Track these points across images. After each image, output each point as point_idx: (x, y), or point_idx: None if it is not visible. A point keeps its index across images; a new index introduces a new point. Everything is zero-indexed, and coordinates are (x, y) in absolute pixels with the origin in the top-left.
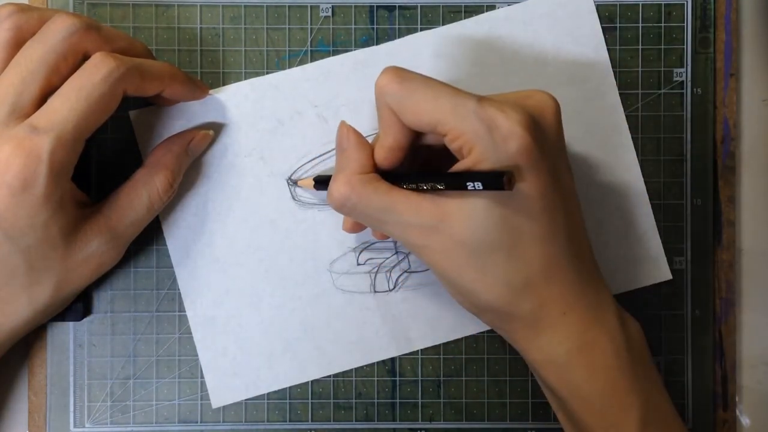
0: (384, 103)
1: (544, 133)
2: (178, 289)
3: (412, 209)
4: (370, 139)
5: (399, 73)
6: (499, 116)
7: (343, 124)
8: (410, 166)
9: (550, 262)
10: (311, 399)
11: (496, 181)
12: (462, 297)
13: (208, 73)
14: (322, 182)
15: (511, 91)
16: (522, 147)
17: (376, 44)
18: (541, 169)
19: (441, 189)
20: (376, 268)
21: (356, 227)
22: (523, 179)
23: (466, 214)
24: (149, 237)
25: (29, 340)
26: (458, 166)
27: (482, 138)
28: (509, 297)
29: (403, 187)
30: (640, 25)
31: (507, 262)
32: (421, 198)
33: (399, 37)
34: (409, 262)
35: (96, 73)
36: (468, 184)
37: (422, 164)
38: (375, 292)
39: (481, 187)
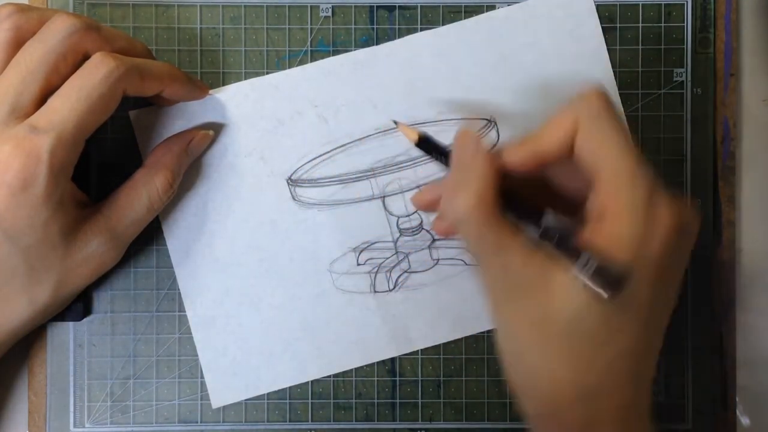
0: (574, 113)
1: (682, 247)
2: (178, 289)
3: (519, 262)
4: (367, 139)
5: (608, 101)
6: (669, 202)
7: (467, 131)
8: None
9: (623, 379)
10: (311, 399)
11: (609, 279)
12: (516, 369)
13: (208, 73)
14: (427, 142)
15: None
16: (666, 236)
17: (376, 44)
18: (663, 278)
19: (545, 243)
20: (376, 268)
21: (450, 231)
22: (643, 279)
23: (572, 293)
24: (149, 237)
25: (29, 340)
26: (593, 204)
27: (634, 208)
28: (569, 395)
29: (515, 220)
30: (640, 25)
31: (585, 361)
32: (533, 256)
33: (399, 37)
34: (409, 262)
35: (96, 73)
36: (581, 260)
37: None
38: (375, 292)
39: (590, 272)
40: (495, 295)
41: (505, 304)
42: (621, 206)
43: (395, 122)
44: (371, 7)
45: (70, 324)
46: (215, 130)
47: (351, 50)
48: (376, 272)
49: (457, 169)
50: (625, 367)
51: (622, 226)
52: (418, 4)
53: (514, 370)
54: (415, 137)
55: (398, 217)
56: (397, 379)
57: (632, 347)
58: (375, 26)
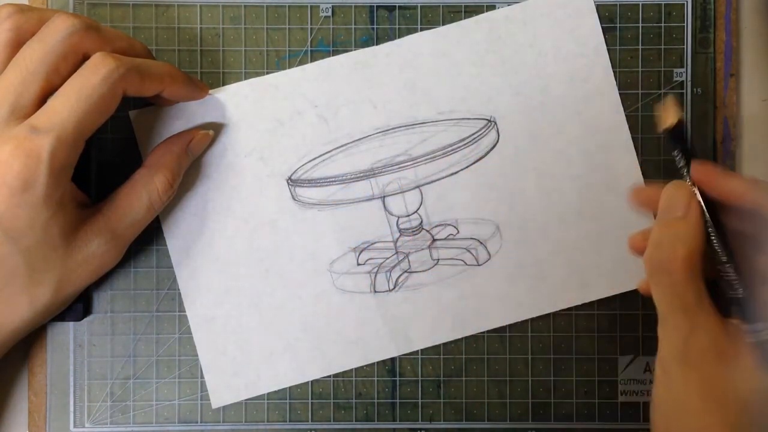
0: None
1: None
2: (178, 289)
3: (712, 326)
4: (367, 139)
5: None
6: None
7: (682, 185)
8: None
9: None
10: (311, 399)
11: None
12: (663, 420)
13: (208, 73)
14: (681, 132)
15: None
16: None
17: (376, 44)
18: None
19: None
20: (376, 268)
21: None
22: None
23: (760, 371)
24: (149, 237)
25: (29, 341)
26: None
27: None
28: None
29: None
30: (640, 25)
31: None
32: (725, 322)
33: (399, 37)
34: (408, 262)
35: (96, 74)
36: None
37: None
38: (375, 292)
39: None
40: (671, 352)
41: (679, 365)
42: None
43: (664, 94)
44: (371, 7)
45: (70, 324)
46: (215, 130)
47: (351, 50)
48: (376, 272)
49: (667, 221)
50: None
51: None
52: (418, 4)
53: (660, 416)
54: (673, 121)
55: (398, 217)
56: (397, 379)
57: None
58: (375, 26)
